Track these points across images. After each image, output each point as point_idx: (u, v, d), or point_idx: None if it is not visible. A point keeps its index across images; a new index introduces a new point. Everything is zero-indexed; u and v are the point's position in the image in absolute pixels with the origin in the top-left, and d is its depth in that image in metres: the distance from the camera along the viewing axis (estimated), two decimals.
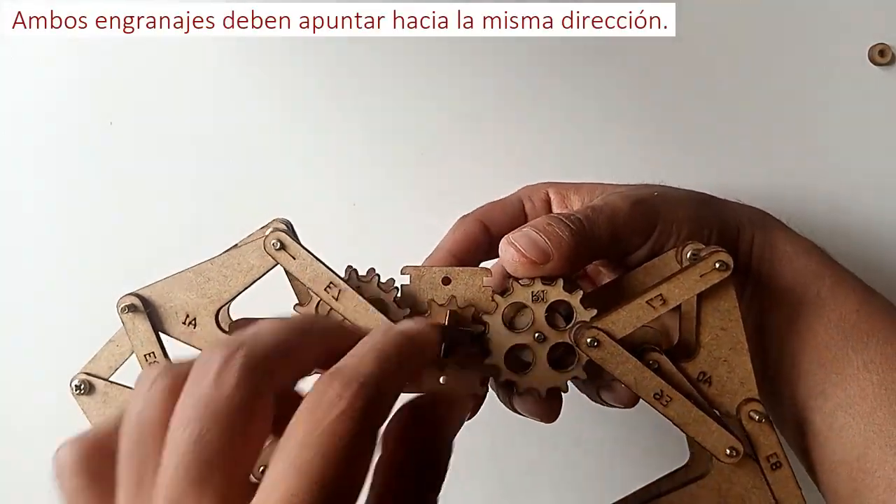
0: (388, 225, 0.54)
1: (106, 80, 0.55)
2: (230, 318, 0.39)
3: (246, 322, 0.38)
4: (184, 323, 0.36)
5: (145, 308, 0.36)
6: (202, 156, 0.54)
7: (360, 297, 0.35)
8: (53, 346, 0.53)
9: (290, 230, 0.38)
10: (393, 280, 0.37)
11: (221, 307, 0.36)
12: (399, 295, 0.37)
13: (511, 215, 0.43)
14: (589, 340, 0.34)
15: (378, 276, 0.37)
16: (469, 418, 0.39)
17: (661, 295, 0.35)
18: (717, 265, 0.35)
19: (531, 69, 0.54)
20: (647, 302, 0.35)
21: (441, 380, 0.38)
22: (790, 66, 0.52)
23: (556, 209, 0.43)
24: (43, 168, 0.55)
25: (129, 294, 0.36)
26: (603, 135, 0.53)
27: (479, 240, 0.40)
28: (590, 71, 0.53)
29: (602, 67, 0.53)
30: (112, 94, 0.55)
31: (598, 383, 0.39)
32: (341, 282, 0.35)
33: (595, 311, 0.36)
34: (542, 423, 0.38)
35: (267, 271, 0.36)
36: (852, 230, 0.44)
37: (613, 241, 0.37)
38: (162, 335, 0.37)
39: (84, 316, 0.47)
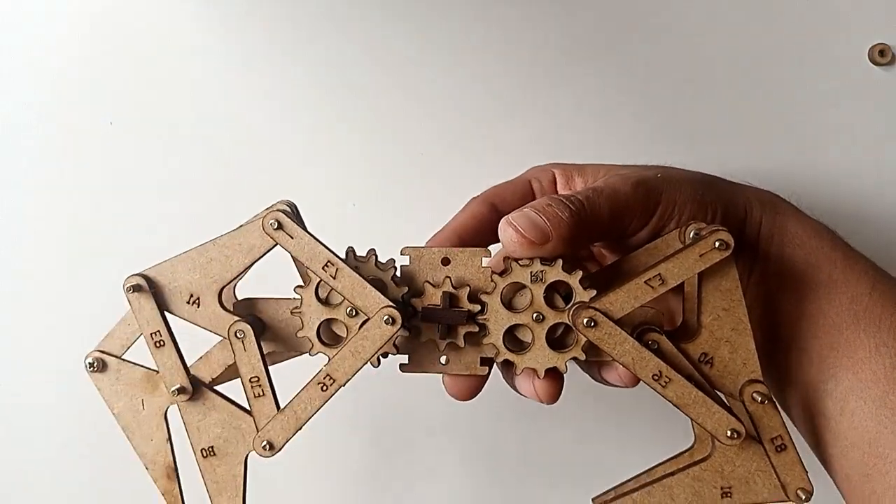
0: (388, 225, 0.54)
1: (106, 81, 0.55)
2: (235, 297, 0.39)
3: (250, 302, 0.38)
4: (188, 302, 0.37)
5: (150, 288, 0.37)
6: (201, 156, 0.55)
7: (358, 276, 0.35)
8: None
9: (294, 212, 0.38)
10: (392, 260, 0.37)
11: (224, 286, 0.37)
12: (398, 274, 0.37)
13: (520, 196, 0.42)
14: (586, 321, 0.34)
15: (376, 255, 0.37)
16: (471, 397, 0.39)
17: (659, 275, 0.34)
18: (717, 244, 0.34)
19: (532, 69, 0.53)
20: (645, 282, 0.34)
21: (441, 360, 0.38)
22: (790, 66, 0.52)
23: (560, 190, 0.43)
24: (39, 159, 0.56)
25: (134, 274, 0.37)
26: (603, 135, 0.53)
27: (486, 221, 0.40)
28: (590, 72, 0.53)
29: (602, 68, 0.53)
30: (112, 93, 0.55)
31: (598, 364, 0.38)
32: (338, 260, 0.35)
33: (594, 292, 0.35)
34: (542, 406, 0.38)
35: (267, 251, 0.37)
36: (852, 229, 0.42)
37: (614, 222, 0.37)
38: (168, 315, 0.37)
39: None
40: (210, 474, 0.38)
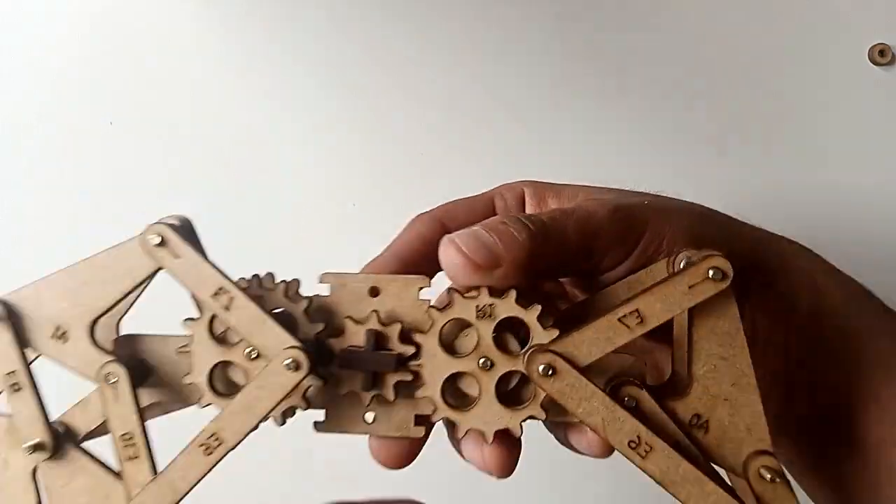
0: (388, 225, 0.50)
1: (106, 81, 0.55)
2: (117, 332, 0.32)
3: (134, 339, 0.31)
4: (52, 336, 0.30)
5: (10, 317, 0.30)
6: (201, 156, 0.55)
7: (255, 306, 0.28)
8: None
9: (186, 228, 0.31)
10: (297, 283, 0.30)
11: (98, 318, 0.30)
12: (311, 306, 0.30)
13: (478, 214, 0.35)
14: (542, 368, 0.27)
15: (287, 283, 0.30)
16: (405, 465, 0.31)
17: (637, 311, 0.27)
18: (711, 273, 0.26)
19: (532, 69, 0.53)
20: (619, 319, 0.27)
21: (366, 417, 0.30)
22: (790, 66, 0.52)
23: (528, 212, 0.36)
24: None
25: None
26: (602, 135, 0.52)
27: (433, 244, 0.33)
28: (590, 72, 0.53)
29: (602, 69, 0.53)
30: (112, 93, 0.55)
31: (564, 425, 0.30)
32: (233, 287, 0.28)
33: (556, 332, 0.28)
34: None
35: (150, 276, 0.30)
36: (853, 229, 0.44)
37: (584, 251, 0.30)
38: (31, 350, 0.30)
39: None
40: None
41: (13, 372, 0.30)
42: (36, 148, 0.55)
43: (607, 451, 0.29)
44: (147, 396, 0.31)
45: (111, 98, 0.55)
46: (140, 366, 0.31)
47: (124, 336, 0.31)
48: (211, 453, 0.28)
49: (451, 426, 0.29)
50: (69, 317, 0.30)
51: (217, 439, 0.28)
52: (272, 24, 0.54)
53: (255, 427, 0.28)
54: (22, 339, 0.30)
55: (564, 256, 0.30)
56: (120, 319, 0.33)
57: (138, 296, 0.33)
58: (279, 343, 0.28)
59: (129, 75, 0.55)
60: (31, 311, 0.30)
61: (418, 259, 0.33)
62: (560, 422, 0.30)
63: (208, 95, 0.54)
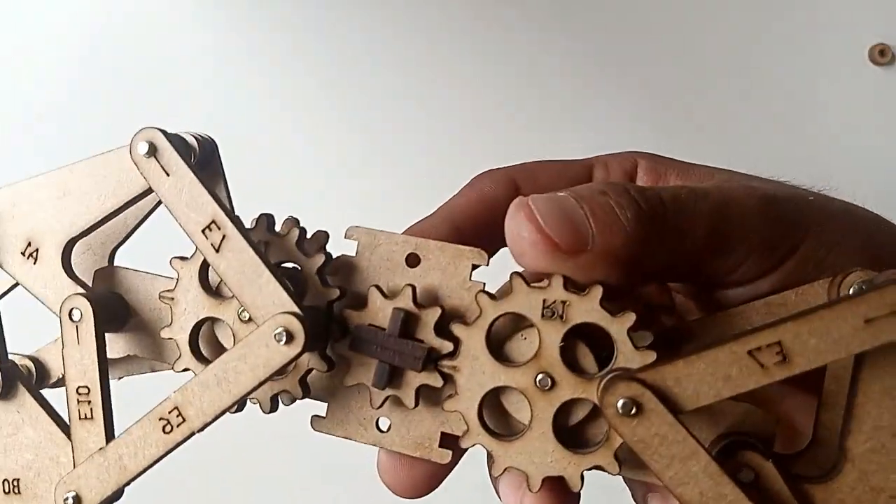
0: (387, 225, 0.48)
1: (106, 81, 0.55)
2: (108, 261, 0.26)
3: (116, 272, 0.25)
4: (22, 253, 0.24)
5: None
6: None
7: (253, 251, 0.21)
8: None
9: (206, 148, 0.25)
10: (325, 236, 0.23)
11: (74, 238, 0.24)
12: (328, 265, 0.22)
13: (567, 182, 0.27)
14: (622, 403, 0.18)
15: (303, 231, 0.23)
16: (421, 495, 0.24)
17: (779, 343, 0.18)
18: None
19: (533, 69, 0.53)
20: (749, 352, 0.18)
21: (380, 423, 0.23)
22: (790, 66, 0.52)
23: None
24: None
25: None
26: (602, 135, 0.52)
27: (501, 208, 0.25)
28: (591, 72, 0.53)
29: (602, 69, 0.53)
30: (113, 93, 0.55)
31: (644, 485, 0.22)
32: (229, 223, 0.21)
33: (654, 355, 0.20)
34: None
35: (140, 194, 0.23)
36: None
37: (713, 250, 0.21)
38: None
39: None
40: None
41: None
42: (36, 148, 0.54)
43: None
44: (120, 346, 0.25)
45: (111, 98, 0.54)
46: (117, 306, 0.25)
47: (107, 268, 0.25)
48: (170, 431, 0.21)
49: (489, 457, 0.22)
50: (43, 232, 0.24)
51: (180, 416, 0.21)
52: (272, 25, 0.54)
53: (229, 409, 0.21)
54: None
55: (684, 253, 0.21)
56: (115, 248, 0.27)
57: (139, 223, 0.27)
58: (273, 304, 0.21)
59: (129, 75, 0.55)
60: (4, 219, 0.25)
61: (478, 227, 0.25)
62: (638, 481, 0.22)
63: (208, 96, 0.54)
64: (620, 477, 0.24)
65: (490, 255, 0.22)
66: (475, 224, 0.25)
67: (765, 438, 0.20)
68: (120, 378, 0.28)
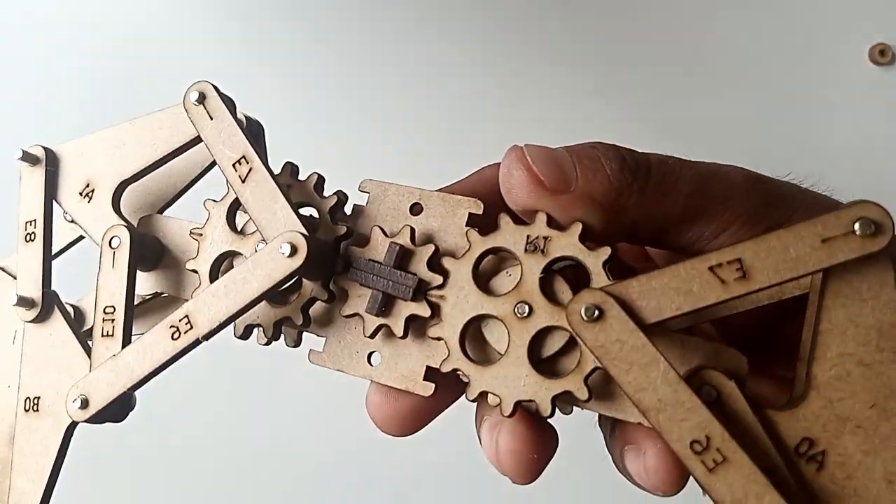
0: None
1: (106, 81, 0.57)
2: (157, 210, 0.29)
3: (156, 219, 0.28)
4: (80, 193, 0.28)
5: (47, 163, 0.28)
6: None
7: (274, 184, 0.24)
8: None
9: (252, 125, 0.29)
10: (344, 195, 0.25)
11: (126, 181, 0.27)
12: (339, 206, 0.25)
13: None
14: (584, 308, 0.19)
15: (321, 179, 0.25)
16: (407, 433, 0.24)
17: (739, 261, 0.19)
18: (858, 226, 0.18)
19: (532, 69, 0.54)
20: (709, 268, 0.19)
21: (372, 357, 0.24)
22: (790, 66, 0.52)
23: None
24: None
25: (37, 144, 0.28)
26: (601, 134, 0.51)
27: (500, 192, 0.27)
28: (591, 72, 0.54)
29: (602, 70, 0.54)
30: (112, 93, 0.57)
31: (619, 433, 0.22)
32: (257, 159, 0.24)
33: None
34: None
35: (188, 144, 0.27)
36: None
37: (694, 215, 0.23)
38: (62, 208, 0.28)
39: None
40: (24, 436, 0.26)
41: (33, 221, 0.28)
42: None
43: (674, 481, 0.21)
44: (150, 284, 0.27)
45: (111, 98, 0.56)
46: (153, 247, 0.27)
47: (150, 216, 0.28)
48: (178, 337, 0.23)
49: (466, 384, 0.22)
50: (100, 175, 0.28)
51: (188, 322, 0.23)
52: (272, 25, 0.56)
53: (236, 315, 0.23)
54: (52, 189, 0.28)
55: (663, 213, 0.22)
56: (167, 206, 0.30)
57: (187, 186, 0.30)
58: (283, 225, 0.23)
59: (130, 75, 0.56)
60: (69, 164, 0.28)
61: (494, 200, 0.27)
62: (615, 428, 0.22)
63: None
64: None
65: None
66: (493, 198, 0.27)
67: (735, 375, 0.20)
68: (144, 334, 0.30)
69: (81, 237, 0.31)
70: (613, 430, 0.23)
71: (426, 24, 0.55)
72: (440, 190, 0.28)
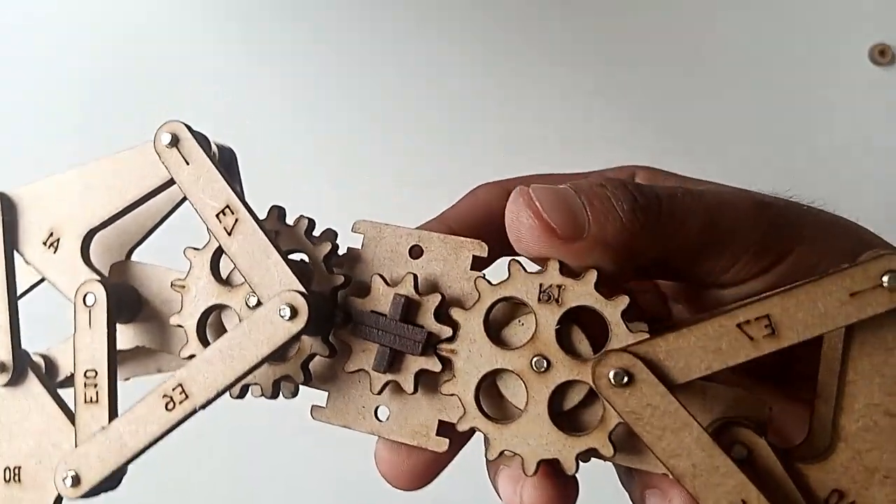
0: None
1: (106, 81, 0.55)
2: (125, 255, 0.27)
3: (130, 266, 0.26)
4: (44, 243, 0.26)
5: (3, 213, 0.26)
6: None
7: (264, 237, 0.22)
8: None
9: (224, 154, 0.26)
10: (334, 234, 0.24)
11: (95, 229, 0.25)
12: (334, 253, 0.23)
13: None
14: (614, 374, 0.19)
15: (311, 223, 0.24)
16: (418, 486, 0.24)
17: (768, 316, 0.18)
18: (887, 280, 0.18)
19: (532, 69, 0.53)
20: (738, 325, 0.19)
21: (378, 412, 0.23)
22: (790, 66, 0.52)
23: None
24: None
25: None
26: (603, 137, 0.52)
27: (498, 215, 0.26)
28: (592, 73, 0.53)
29: (603, 69, 0.53)
30: (112, 93, 0.55)
31: (641, 476, 0.22)
32: (242, 208, 0.22)
33: (646, 335, 0.20)
34: None
35: (162, 185, 0.25)
36: None
37: (706, 250, 0.22)
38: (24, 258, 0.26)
39: None
40: None
41: None
42: (36, 149, 0.54)
43: None
44: (129, 337, 0.26)
45: (111, 98, 0.55)
46: (131, 297, 0.25)
47: (122, 262, 0.26)
48: (173, 409, 0.22)
49: (485, 441, 0.22)
50: (65, 223, 0.25)
51: (183, 392, 0.22)
52: (272, 25, 0.55)
53: (233, 384, 0.22)
54: (12, 240, 0.26)
55: (676, 249, 0.22)
56: (133, 248, 0.28)
57: (156, 225, 0.28)
58: (279, 283, 0.22)
59: (129, 76, 0.55)
60: (28, 211, 0.26)
61: (476, 234, 0.26)
62: (635, 471, 0.22)
63: (207, 97, 0.54)
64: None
65: (486, 264, 0.23)
66: (472, 230, 0.26)
67: (757, 422, 0.20)
68: (126, 379, 0.29)
69: (43, 279, 0.29)
70: (630, 470, 0.22)
71: (426, 24, 0.54)
72: (434, 220, 0.26)
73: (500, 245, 0.24)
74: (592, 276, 0.21)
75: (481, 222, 0.26)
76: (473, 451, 0.25)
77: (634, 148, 0.49)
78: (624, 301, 0.20)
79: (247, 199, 0.25)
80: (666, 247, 0.22)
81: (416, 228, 0.24)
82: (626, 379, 0.19)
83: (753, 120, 0.52)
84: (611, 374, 0.19)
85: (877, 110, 0.51)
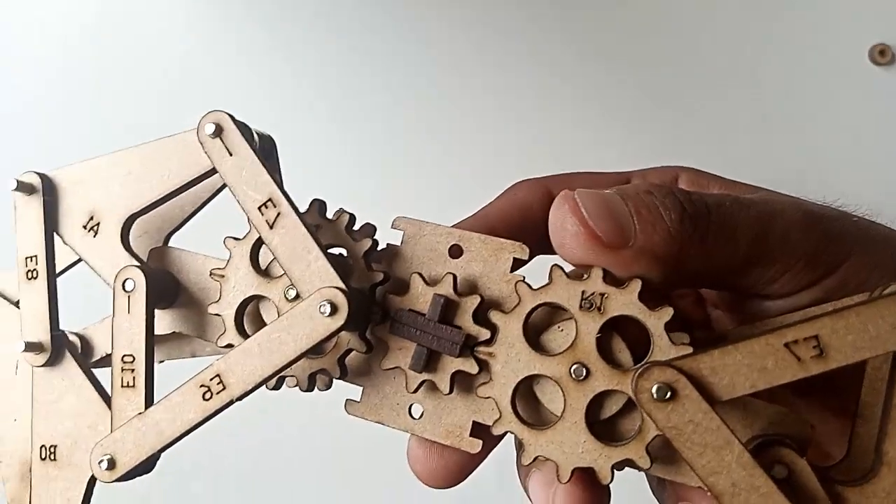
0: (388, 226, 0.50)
1: (106, 81, 0.56)
2: (163, 241, 0.27)
3: (170, 252, 0.26)
4: (84, 226, 0.26)
5: (45, 192, 0.26)
6: None
7: (305, 230, 0.22)
8: None
9: (265, 141, 0.26)
10: (373, 229, 0.24)
11: (135, 215, 0.25)
12: (373, 250, 0.23)
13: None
14: (656, 389, 0.19)
15: (352, 218, 0.24)
16: (450, 485, 0.24)
17: (816, 337, 0.18)
18: None
19: (532, 70, 0.54)
20: (785, 345, 0.18)
21: (412, 409, 0.23)
22: (790, 66, 0.52)
23: None
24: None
25: (32, 171, 0.26)
26: (603, 137, 0.53)
27: (537, 215, 0.26)
28: (592, 73, 0.54)
29: (603, 71, 0.54)
30: (113, 93, 0.56)
31: (674, 488, 0.22)
32: (285, 201, 0.22)
33: (690, 350, 0.20)
34: None
35: (199, 177, 0.25)
36: None
37: (754, 260, 0.22)
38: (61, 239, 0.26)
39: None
40: (40, 486, 0.25)
41: (33, 257, 0.26)
42: (36, 149, 0.55)
43: None
44: (166, 323, 0.26)
45: (111, 98, 0.55)
46: (168, 283, 0.26)
47: (161, 247, 0.26)
48: (210, 398, 0.22)
49: (517, 445, 0.22)
50: (105, 207, 0.25)
51: (220, 383, 0.22)
52: (273, 25, 0.56)
53: (270, 377, 0.22)
54: (52, 221, 0.26)
55: (724, 260, 0.22)
56: (171, 233, 0.28)
57: (196, 210, 0.28)
58: (320, 280, 0.22)
59: (130, 76, 0.56)
60: (69, 193, 0.26)
61: (512, 232, 0.25)
62: (668, 481, 0.22)
63: (207, 97, 0.55)
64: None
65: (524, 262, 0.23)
66: (510, 229, 0.26)
67: (799, 441, 0.20)
68: (161, 361, 0.29)
69: (79, 260, 0.29)
70: (663, 480, 0.22)
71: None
72: (472, 217, 0.26)
73: (538, 245, 0.24)
74: (636, 285, 0.21)
75: (520, 221, 0.26)
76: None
77: (630, 150, 0.51)
78: (668, 312, 0.20)
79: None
80: (713, 258, 0.21)
81: (455, 227, 0.24)
82: (668, 394, 0.18)
83: (753, 120, 0.52)
84: (654, 389, 0.18)
85: (877, 110, 0.51)
